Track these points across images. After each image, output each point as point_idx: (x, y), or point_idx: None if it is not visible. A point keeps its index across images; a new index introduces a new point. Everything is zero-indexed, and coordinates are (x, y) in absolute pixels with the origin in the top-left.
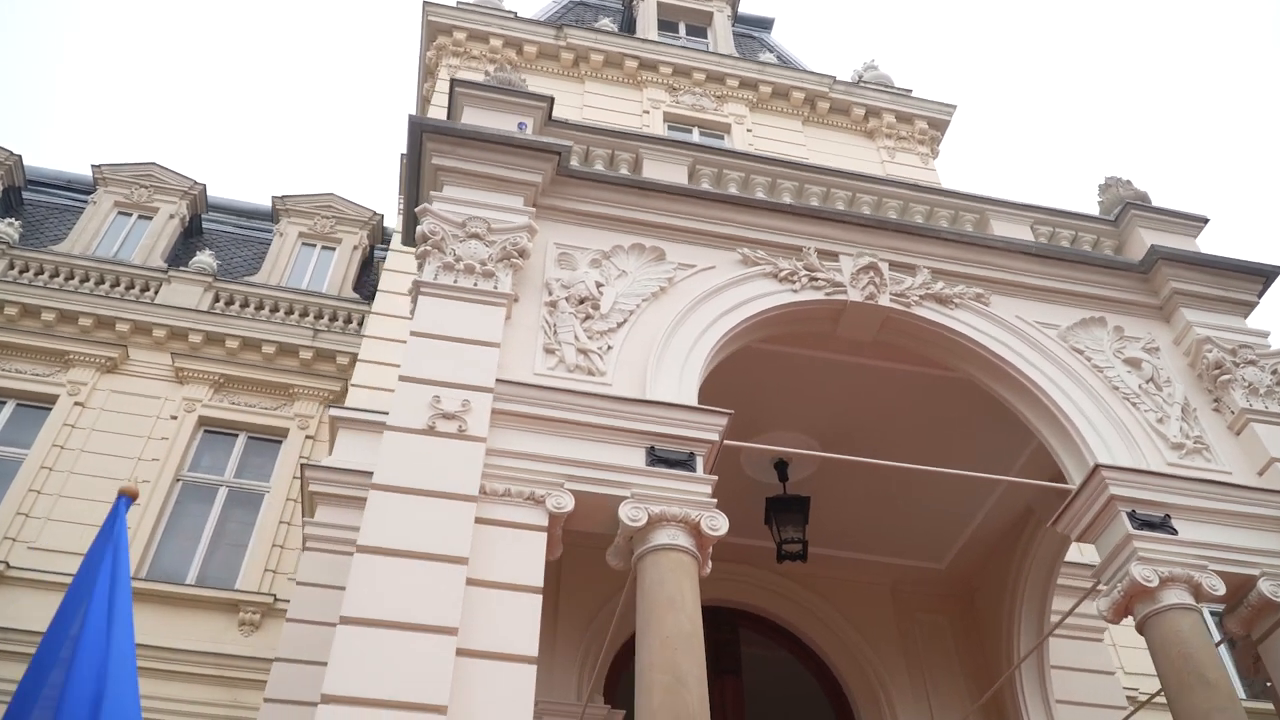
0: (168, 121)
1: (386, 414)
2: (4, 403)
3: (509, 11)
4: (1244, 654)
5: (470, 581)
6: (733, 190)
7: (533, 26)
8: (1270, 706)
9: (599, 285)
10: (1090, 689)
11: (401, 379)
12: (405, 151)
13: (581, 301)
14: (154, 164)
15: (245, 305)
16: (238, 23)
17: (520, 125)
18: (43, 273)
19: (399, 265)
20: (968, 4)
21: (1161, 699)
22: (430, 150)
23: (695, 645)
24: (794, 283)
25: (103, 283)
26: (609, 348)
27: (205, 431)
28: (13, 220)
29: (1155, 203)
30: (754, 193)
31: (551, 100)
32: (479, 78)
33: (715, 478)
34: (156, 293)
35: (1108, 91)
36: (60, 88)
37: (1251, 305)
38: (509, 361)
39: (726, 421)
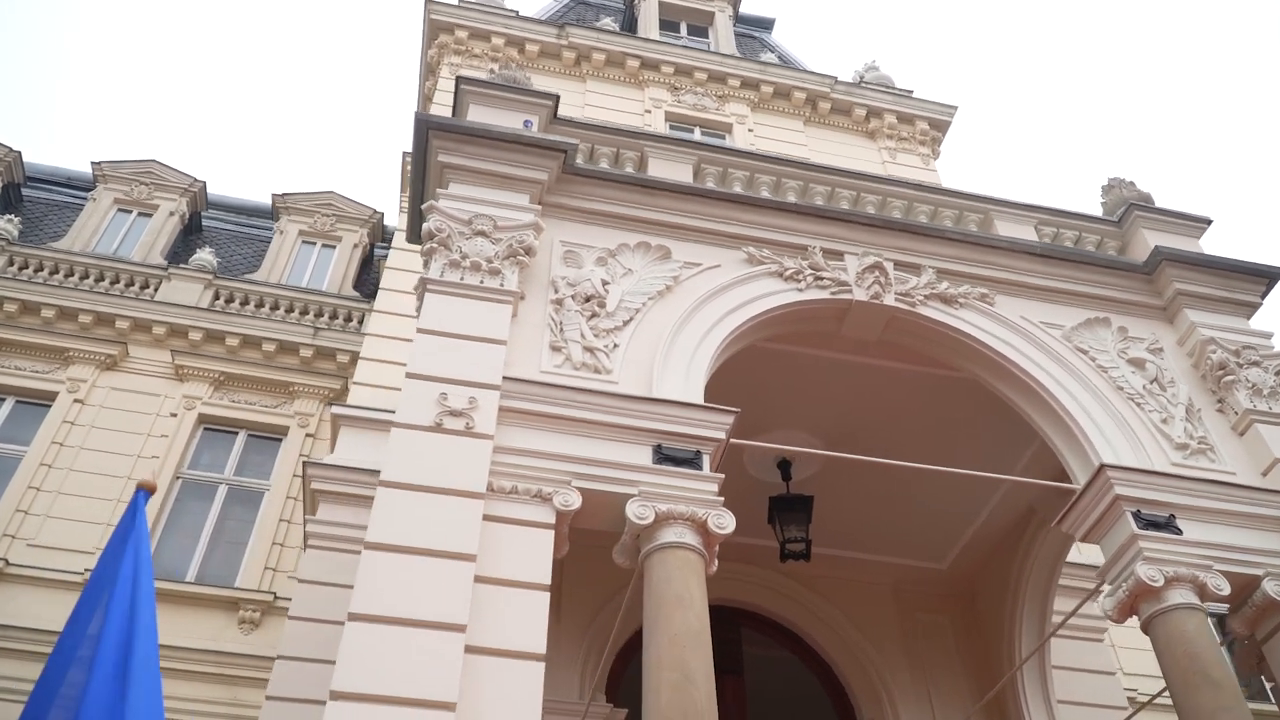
0: (168, 118)
1: (389, 412)
2: (3, 400)
3: (511, 10)
4: (1245, 655)
5: (478, 579)
6: (738, 189)
7: (534, 25)
8: (1271, 707)
9: (605, 283)
10: (1091, 689)
11: (408, 376)
12: (408, 149)
13: (588, 299)
14: (154, 161)
15: (245, 303)
16: (238, 20)
17: (526, 123)
18: (42, 270)
19: (401, 263)
20: (969, 4)
21: (1162, 699)
22: (436, 147)
23: (703, 643)
24: (799, 282)
25: (102, 280)
26: (615, 346)
27: (205, 429)
28: (12, 217)
29: (1158, 204)
30: (759, 192)
31: (557, 98)
32: (482, 75)
33: (722, 476)
34: (156, 290)
35: (1110, 92)
36: (60, 84)
37: (1255, 306)
38: (515, 359)
39: (733, 420)
